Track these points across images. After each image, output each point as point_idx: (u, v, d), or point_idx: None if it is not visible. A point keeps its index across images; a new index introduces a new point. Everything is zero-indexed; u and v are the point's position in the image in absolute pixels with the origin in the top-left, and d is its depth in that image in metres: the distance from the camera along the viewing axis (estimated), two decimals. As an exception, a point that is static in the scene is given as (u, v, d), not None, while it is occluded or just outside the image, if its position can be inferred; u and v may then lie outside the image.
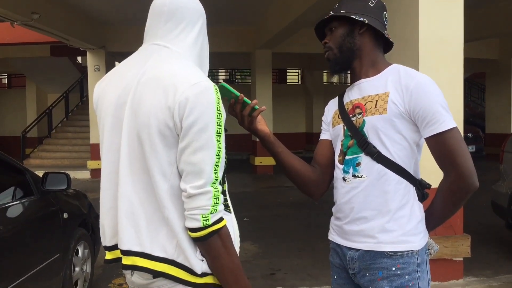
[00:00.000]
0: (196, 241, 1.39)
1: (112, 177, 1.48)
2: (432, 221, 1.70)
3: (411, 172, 1.65)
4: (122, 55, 14.42)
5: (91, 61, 12.33)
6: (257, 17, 11.15)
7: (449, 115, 1.58)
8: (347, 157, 1.70)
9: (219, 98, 1.40)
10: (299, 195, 10.07)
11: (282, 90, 18.71)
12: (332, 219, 1.82)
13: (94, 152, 12.14)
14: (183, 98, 1.34)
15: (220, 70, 21.61)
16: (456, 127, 1.58)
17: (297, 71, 21.46)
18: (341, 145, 1.74)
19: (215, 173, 1.37)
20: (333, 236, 1.80)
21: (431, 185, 1.69)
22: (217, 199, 1.37)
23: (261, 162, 12.57)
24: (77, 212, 4.07)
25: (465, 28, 4.05)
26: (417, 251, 1.62)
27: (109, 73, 1.59)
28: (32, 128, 15.38)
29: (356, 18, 1.68)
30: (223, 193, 1.44)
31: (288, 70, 21.70)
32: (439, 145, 1.58)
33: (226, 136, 1.43)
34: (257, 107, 1.71)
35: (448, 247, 4.12)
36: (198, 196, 1.34)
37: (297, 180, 1.84)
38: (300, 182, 1.85)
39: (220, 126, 1.38)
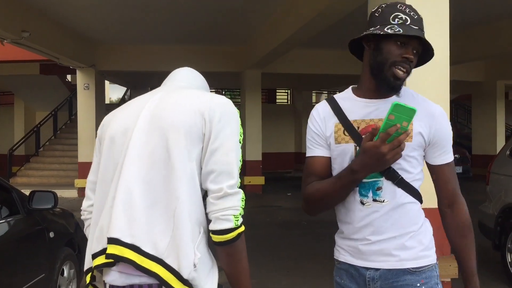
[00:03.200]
0: (222, 245, 1.40)
1: (108, 185, 1.50)
2: (471, 260, 1.73)
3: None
4: (111, 74, 14.45)
5: (81, 80, 12.32)
6: (247, 38, 11.25)
7: None
8: (363, 180, 1.61)
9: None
10: (287, 215, 10.07)
11: (272, 110, 18.80)
12: (341, 239, 1.74)
13: (82, 170, 12.02)
14: (212, 105, 1.46)
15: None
16: None
17: (286, 91, 21.61)
18: None
19: (239, 175, 1.44)
20: (344, 257, 1.72)
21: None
22: (243, 201, 1.42)
23: (250, 182, 12.53)
24: (63, 231, 4.03)
25: (451, 51, 4.13)
26: (435, 264, 1.68)
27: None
28: (19, 146, 15.23)
29: (432, 52, 1.67)
30: None
31: (277, 90, 21.85)
32: (449, 172, 1.69)
33: None
34: (399, 132, 1.46)
35: (436, 267, 4.12)
36: (232, 195, 1.39)
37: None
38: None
39: (241, 136, 1.49)
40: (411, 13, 1.60)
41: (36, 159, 15.00)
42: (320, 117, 1.73)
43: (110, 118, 1.62)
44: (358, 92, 1.71)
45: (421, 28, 1.60)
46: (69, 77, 18.03)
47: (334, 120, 1.69)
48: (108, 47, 12.21)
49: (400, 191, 1.62)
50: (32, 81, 15.05)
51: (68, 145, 15.12)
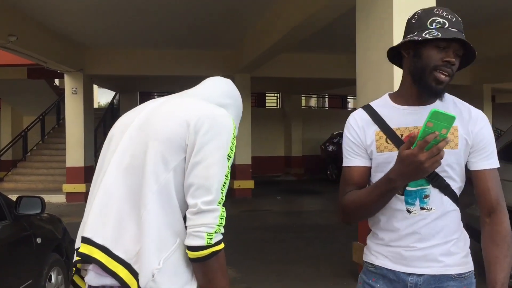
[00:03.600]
0: (195, 262, 1.37)
1: (96, 183, 1.51)
2: (498, 273, 1.61)
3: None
4: (99, 78, 14.36)
5: (69, 84, 12.22)
6: (236, 42, 11.26)
7: None
8: (409, 188, 1.59)
9: (235, 129, 1.48)
10: (277, 218, 10.07)
11: (261, 113, 18.80)
12: (379, 246, 1.70)
13: (70, 175, 11.90)
14: (202, 115, 1.42)
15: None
16: None
17: (275, 95, 21.65)
18: None
19: (222, 192, 1.39)
20: (382, 261, 1.68)
21: None
22: (222, 219, 1.38)
23: (239, 186, 12.52)
24: (51, 237, 3.99)
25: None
26: (473, 271, 1.68)
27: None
28: (6, 151, 15.07)
29: (475, 55, 1.64)
30: None
31: (266, 94, 21.88)
32: (492, 178, 1.64)
33: None
34: (438, 140, 1.37)
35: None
36: (207, 213, 1.35)
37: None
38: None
39: (232, 150, 1.44)
40: (449, 16, 1.57)
41: (23, 164, 14.83)
42: (358, 126, 1.68)
43: (120, 119, 1.64)
44: (397, 100, 1.68)
45: (460, 30, 1.57)
46: (57, 81, 17.87)
47: (375, 128, 1.65)
48: (96, 51, 12.14)
49: (446, 199, 1.61)
50: (20, 85, 14.89)
51: (56, 149, 14.99)
